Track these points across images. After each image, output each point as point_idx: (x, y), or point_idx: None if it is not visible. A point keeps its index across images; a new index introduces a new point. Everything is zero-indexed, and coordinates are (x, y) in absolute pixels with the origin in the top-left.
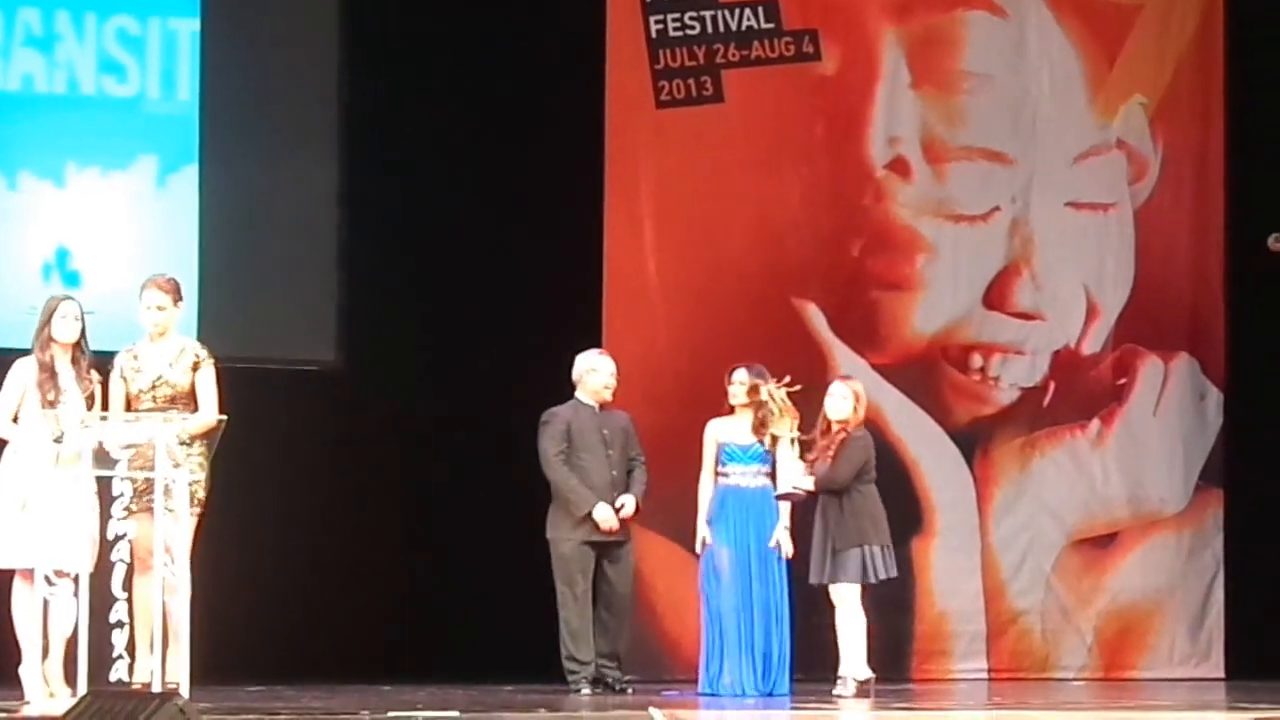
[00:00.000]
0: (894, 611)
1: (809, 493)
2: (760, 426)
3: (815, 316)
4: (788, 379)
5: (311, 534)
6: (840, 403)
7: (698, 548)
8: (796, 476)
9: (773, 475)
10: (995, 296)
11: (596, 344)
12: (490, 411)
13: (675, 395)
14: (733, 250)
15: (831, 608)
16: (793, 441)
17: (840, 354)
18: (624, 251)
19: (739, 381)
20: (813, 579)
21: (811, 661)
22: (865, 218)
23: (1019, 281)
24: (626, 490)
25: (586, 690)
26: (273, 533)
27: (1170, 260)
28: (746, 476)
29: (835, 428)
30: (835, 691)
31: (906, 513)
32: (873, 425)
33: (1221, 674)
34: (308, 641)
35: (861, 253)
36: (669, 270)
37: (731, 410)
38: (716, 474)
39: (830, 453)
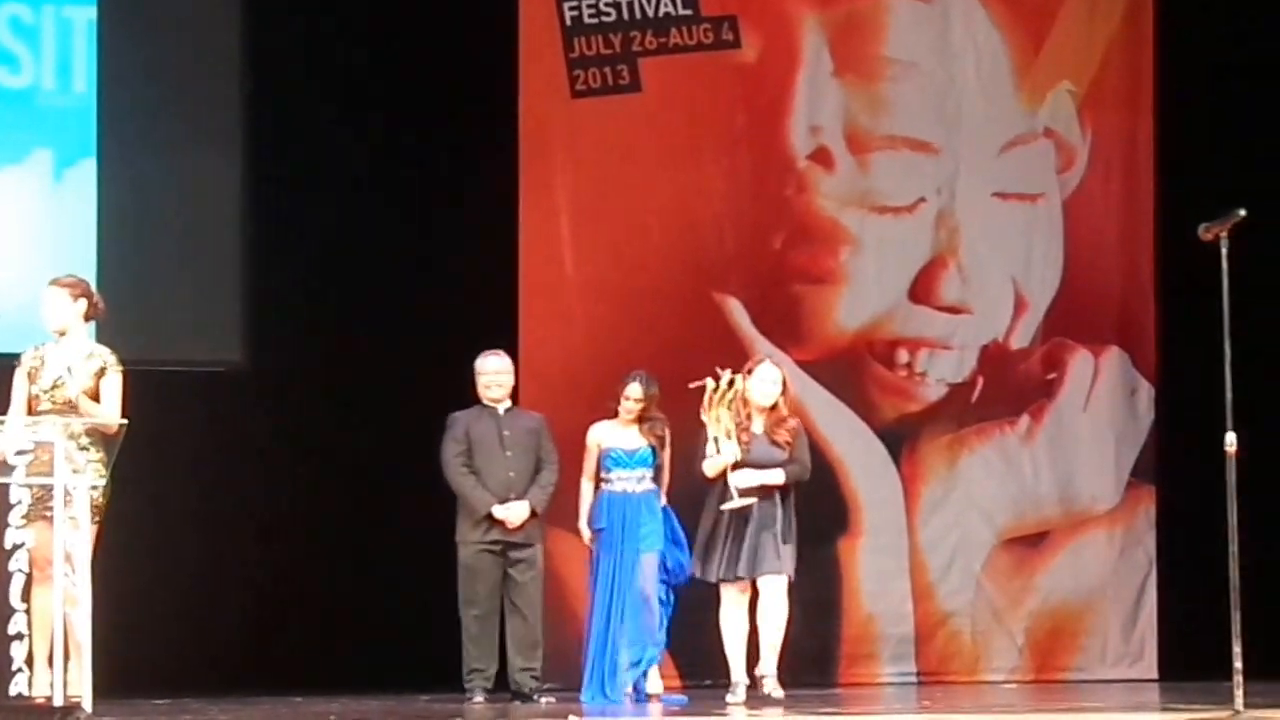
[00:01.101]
0: (820, 614)
1: (770, 487)
2: (648, 432)
3: (737, 311)
4: (729, 373)
5: (216, 541)
6: (769, 387)
7: (587, 542)
8: (742, 479)
9: (653, 479)
10: (921, 290)
11: (511, 344)
12: (402, 414)
13: (594, 394)
14: (652, 244)
15: (718, 606)
16: (729, 435)
17: (763, 350)
18: (539, 247)
19: (633, 397)
20: (766, 570)
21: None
22: (787, 209)
23: (945, 274)
24: (527, 493)
25: (480, 698)
26: (176, 540)
27: (1099, 251)
28: (629, 482)
29: (761, 414)
30: (769, 691)
31: (832, 512)
32: (801, 419)
33: (1155, 675)
34: (215, 652)
35: (784, 245)
36: (586, 266)
37: (614, 414)
38: (599, 479)
39: (784, 439)
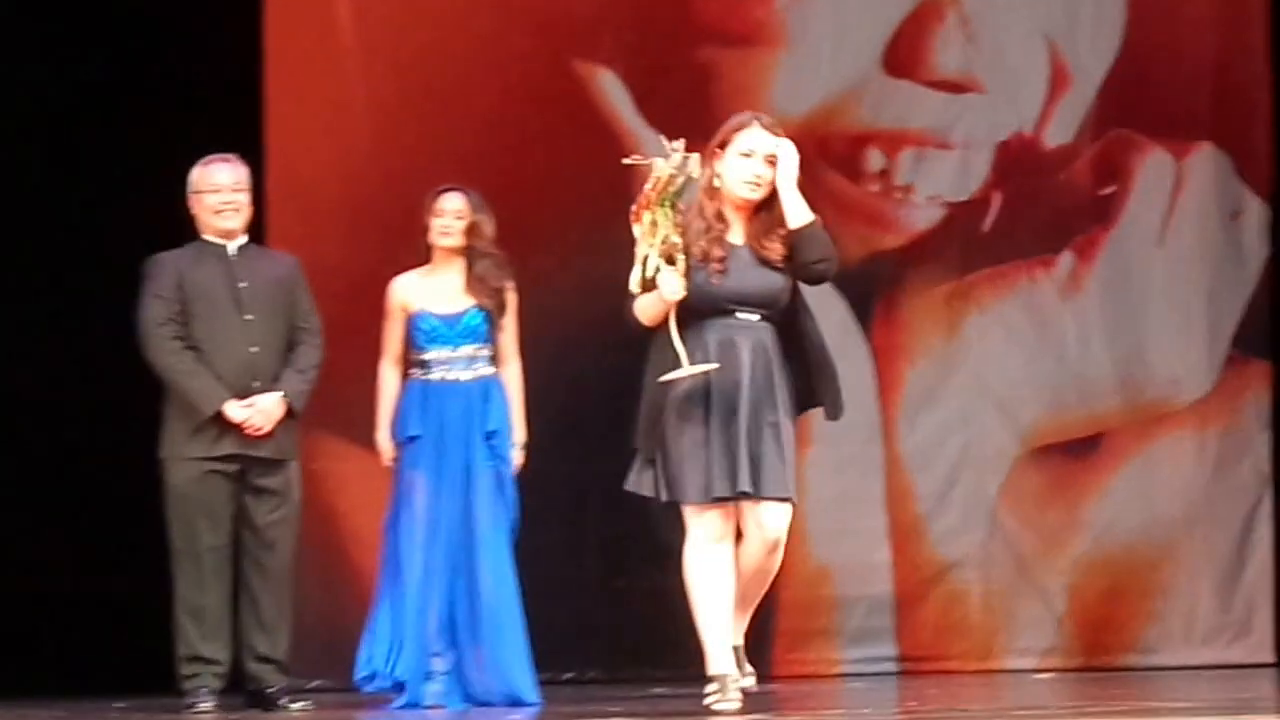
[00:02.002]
0: None
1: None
2: (478, 284)
3: (612, 90)
4: (681, 147)
5: None
6: (759, 168)
7: (386, 463)
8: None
9: (492, 361)
10: (903, 55)
11: (253, 145)
12: (89, 261)
13: (383, 224)
14: None
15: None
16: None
17: (651, 149)
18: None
19: (451, 211)
20: (773, 491)
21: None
22: None
23: (940, 30)
24: (278, 379)
25: (208, 704)
26: None
27: None
28: (454, 365)
29: (742, 213)
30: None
31: None
32: None
33: (1270, 657)
34: None
35: None
36: (375, 24)
37: (427, 259)
38: (408, 360)
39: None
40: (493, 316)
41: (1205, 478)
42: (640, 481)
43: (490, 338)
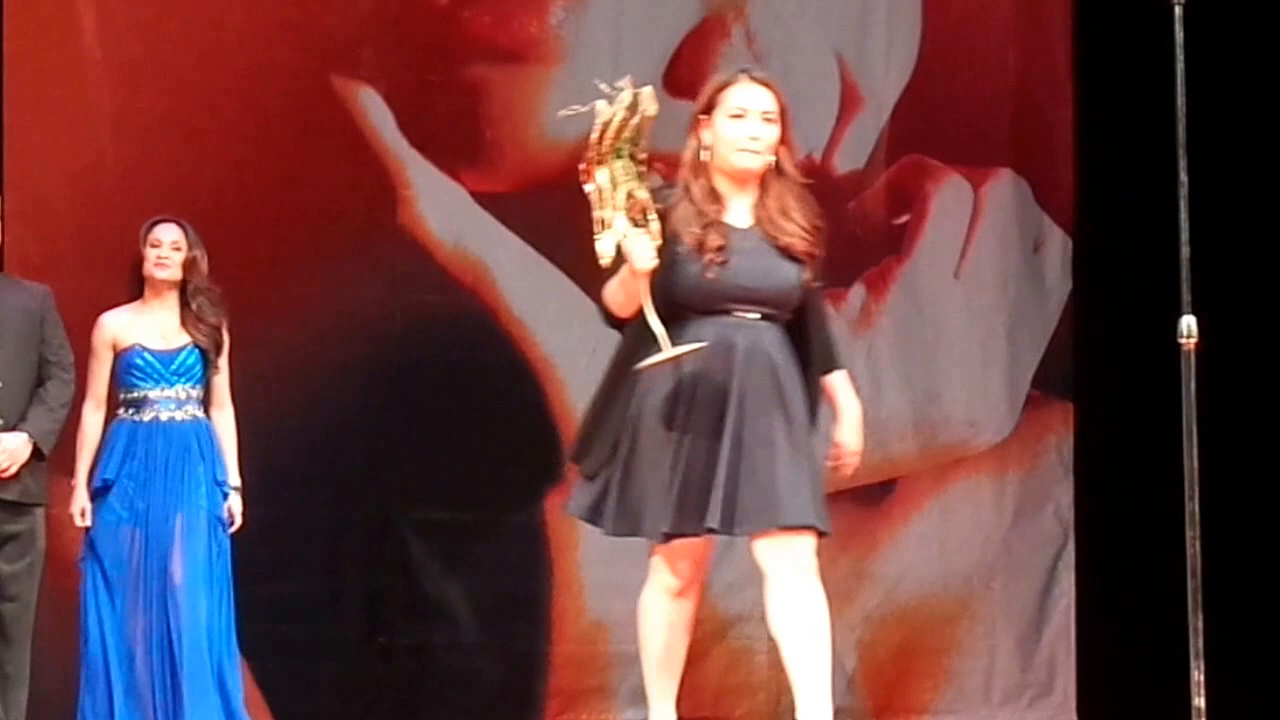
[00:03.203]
0: (513, 622)
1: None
2: (196, 321)
3: (373, 109)
4: (629, 85)
5: None
6: (757, 128)
7: (78, 520)
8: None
9: (203, 405)
10: (685, 74)
11: None
12: None
13: (128, 252)
14: None
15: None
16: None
17: (417, 175)
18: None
19: (169, 242)
20: (760, 522)
21: None
22: None
23: (725, 48)
24: (24, 418)
25: None
26: None
27: (982, 11)
28: (167, 405)
29: (742, 186)
30: None
31: (533, 447)
32: (476, 298)
33: (1073, 718)
34: None
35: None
36: (123, 33)
37: (139, 293)
38: (115, 400)
39: (802, 235)
40: (209, 356)
41: (1004, 526)
42: (581, 505)
43: (204, 378)
